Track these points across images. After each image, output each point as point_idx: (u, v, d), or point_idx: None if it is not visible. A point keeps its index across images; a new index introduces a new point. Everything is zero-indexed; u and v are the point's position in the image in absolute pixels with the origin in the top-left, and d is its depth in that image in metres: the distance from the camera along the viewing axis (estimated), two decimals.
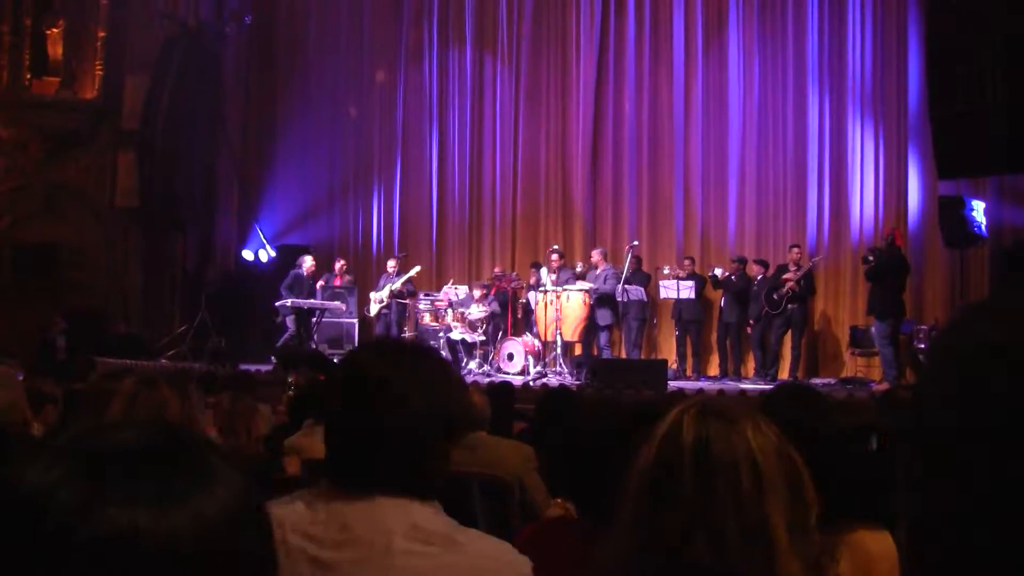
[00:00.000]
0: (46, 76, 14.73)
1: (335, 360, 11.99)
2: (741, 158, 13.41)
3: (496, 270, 13.49)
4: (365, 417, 1.49)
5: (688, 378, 11.98)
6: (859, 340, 11.81)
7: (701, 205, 13.61)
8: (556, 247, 12.38)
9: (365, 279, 14.14)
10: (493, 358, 12.03)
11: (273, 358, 11.84)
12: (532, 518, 3.36)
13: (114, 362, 11.02)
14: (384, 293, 12.52)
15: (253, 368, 11.59)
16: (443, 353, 10.95)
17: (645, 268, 12.68)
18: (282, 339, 12.47)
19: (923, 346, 10.69)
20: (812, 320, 12.27)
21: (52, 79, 14.72)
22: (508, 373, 11.50)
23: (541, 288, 11.58)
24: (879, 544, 1.94)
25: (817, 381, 11.17)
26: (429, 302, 12.49)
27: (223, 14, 15.19)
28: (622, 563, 1.30)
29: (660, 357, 12.46)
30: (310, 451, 4.52)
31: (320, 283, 13.11)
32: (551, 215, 14.48)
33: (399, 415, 1.49)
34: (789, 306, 11.29)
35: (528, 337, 12.05)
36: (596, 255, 12.19)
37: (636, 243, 12.42)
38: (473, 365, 11.91)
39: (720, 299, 12.16)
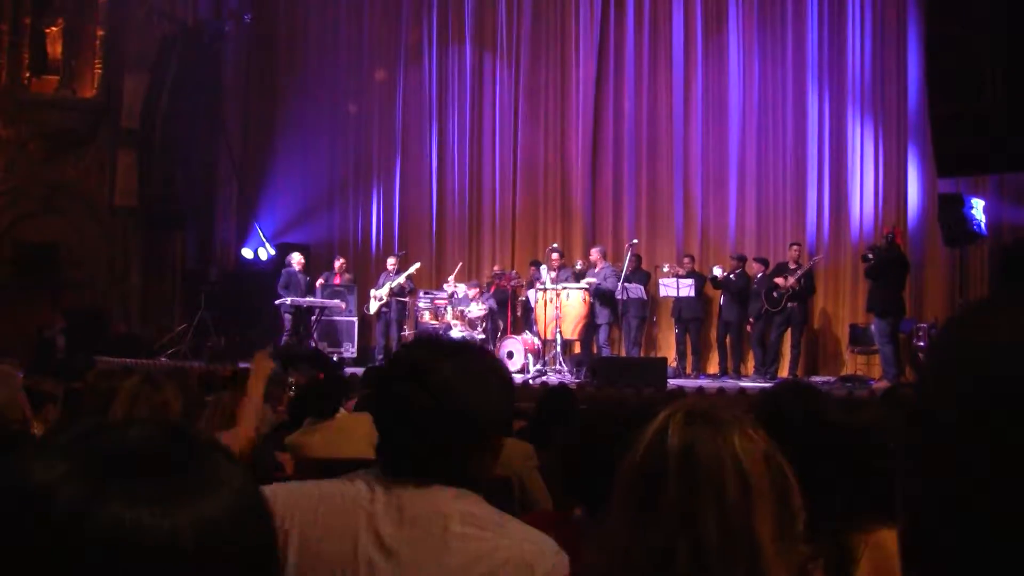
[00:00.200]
0: (45, 75, 14.72)
1: (334, 358, 12.05)
2: (741, 156, 13.40)
3: (495, 268, 13.50)
4: (426, 412, 1.54)
5: (688, 376, 11.97)
6: (859, 338, 11.81)
7: (701, 203, 13.61)
8: (555, 245, 12.38)
9: (365, 277, 14.14)
10: None
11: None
12: None
13: (114, 361, 11.02)
14: (384, 291, 12.52)
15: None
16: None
17: (645, 266, 12.69)
18: (281, 338, 12.47)
19: (923, 344, 10.69)
20: (812, 318, 12.28)
21: (51, 78, 14.71)
22: None
23: (540, 286, 11.57)
24: None
25: (817, 379, 11.17)
26: (429, 300, 12.50)
27: (222, 13, 15.20)
28: (609, 570, 1.28)
29: (660, 355, 12.47)
30: (310, 449, 4.52)
31: (320, 281, 13.13)
32: (550, 213, 14.49)
33: (459, 412, 1.54)
34: (789, 304, 11.30)
35: (528, 335, 12.06)
36: (595, 253, 12.20)
37: (636, 241, 12.42)
38: None
39: (720, 297, 12.16)
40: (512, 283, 12.85)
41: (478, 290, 12.59)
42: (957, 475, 0.61)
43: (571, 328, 11.51)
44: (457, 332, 11.94)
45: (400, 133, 15.35)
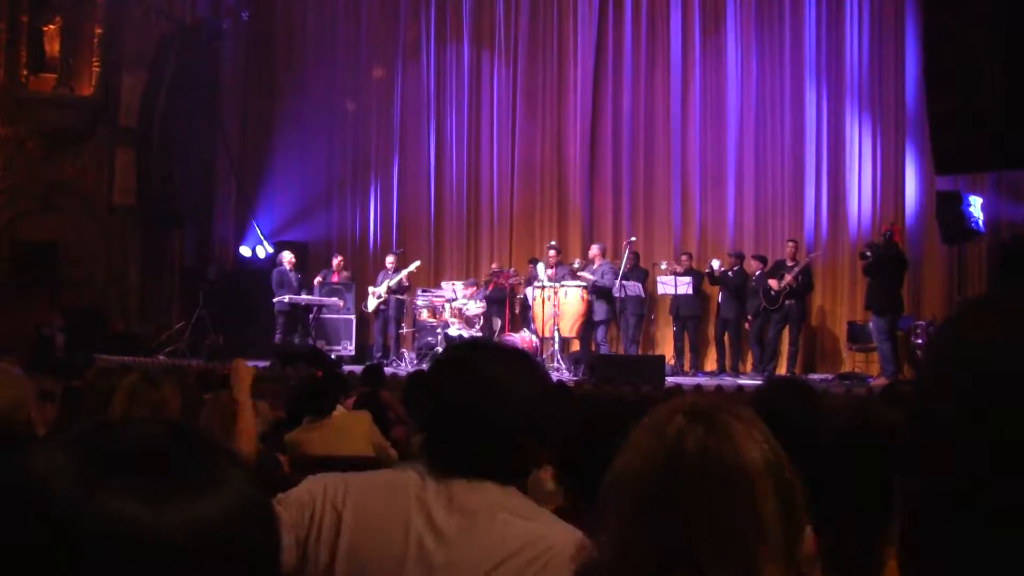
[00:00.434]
0: (43, 73, 14.70)
1: (332, 356, 12.04)
2: (739, 154, 13.40)
3: (493, 266, 13.50)
4: (476, 412, 1.63)
5: (686, 374, 11.98)
6: (857, 336, 11.82)
7: (699, 201, 13.61)
8: (553, 243, 12.38)
9: (363, 275, 14.13)
10: None
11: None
12: None
13: (112, 359, 11.01)
14: (382, 289, 12.52)
15: (251, 364, 11.56)
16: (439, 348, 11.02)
17: (642, 264, 12.68)
18: (278, 336, 12.47)
19: (921, 341, 10.70)
20: (810, 316, 12.28)
21: (49, 76, 14.70)
22: None
23: (538, 284, 11.57)
24: None
25: (815, 377, 11.18)
26: (427, 298, 12.50)
27: (220, 10, 15.17)
28: (609, 570, 1.26)
29: (658, 353, 12.47)
30: (309, 447, 4.53)
31: (318, 279, 13.12)
32: (548, 211, 14.48)
33: (509, 413, 1.63)
34: (787, 302, 11.30)
35: (526, 333, 12.05)
36: (595, 250, 12.21)
37: (634, 239, 12.41)
38: None
39: (718, 294, 12.16)
40: (510, 281, 12.85)
41: (474, 288, 12.57)
42: (956, 472, 0.61)
43: (569, 326, 11.51)
44: (455, 330, 11.94)
45: (398, 131, 15.33)
